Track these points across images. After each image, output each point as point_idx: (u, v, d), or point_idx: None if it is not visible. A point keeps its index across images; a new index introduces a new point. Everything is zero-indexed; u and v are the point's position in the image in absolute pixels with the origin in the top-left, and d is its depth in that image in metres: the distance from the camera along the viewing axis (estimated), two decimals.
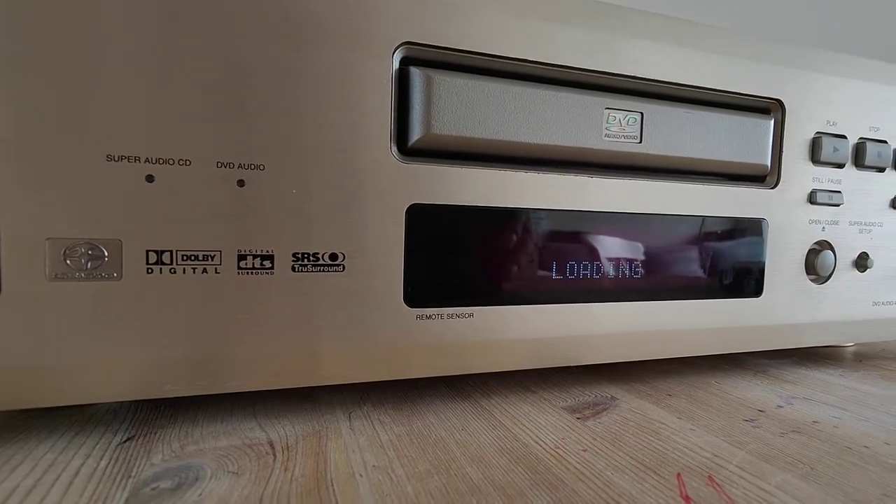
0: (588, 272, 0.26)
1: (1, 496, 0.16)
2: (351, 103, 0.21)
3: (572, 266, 0.25)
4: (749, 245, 0.29)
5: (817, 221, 0.31)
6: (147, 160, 0.19)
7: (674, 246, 0.28)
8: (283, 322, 0.21)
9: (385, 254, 0.22)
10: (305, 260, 0.21)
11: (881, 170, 0.32)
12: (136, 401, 0.23)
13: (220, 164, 0.20)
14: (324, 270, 0.21)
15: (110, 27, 0.18)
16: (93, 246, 0.18)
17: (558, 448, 0.20)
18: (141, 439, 0.20)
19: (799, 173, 0.30)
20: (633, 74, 0.25)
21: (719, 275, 0.29)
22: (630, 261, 0.26)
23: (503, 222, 0.24)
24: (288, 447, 0.20)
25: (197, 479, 0.17)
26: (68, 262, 0.18)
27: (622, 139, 0.25)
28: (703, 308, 0.28)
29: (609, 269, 0.26)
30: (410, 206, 0.22)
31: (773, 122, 0.29)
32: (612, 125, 0.25)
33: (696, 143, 0.27)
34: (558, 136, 0.24)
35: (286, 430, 0.21)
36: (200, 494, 0.16)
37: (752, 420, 0.24)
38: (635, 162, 0.26)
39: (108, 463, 0.18)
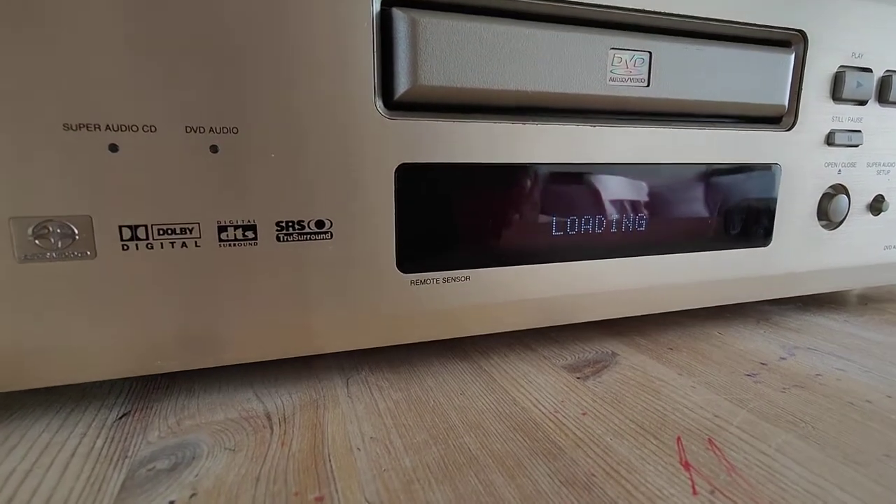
0: (590, 228, 0.24)
1: None
2: (329, 54, 0.19)
3: (574, 223, 0.24)
4: (759, 193, 0.28)
5: (833, 164, 0.29)
6: (108, 127, 0.17)
7: (679, 197, 0.26)
8: (271, 294, 0.20)
9: (375, 218, 0.21)
10: (290, 229, 0.20)
11: None
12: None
13: (188, 129, 0.18)
14: (310, 238, 0.20)
15: None
16: (61, 224, 0.17)
17: (557, 412, 0.20)
18: (137, 414, 0.20)
19: (818, 113, 0.28)
20: (640, 7, 0.23)
21: (726, 226, 0.27)
22: (634, 215, 0.25)
23: (500, 179, 0.22)
24: (285, 419, 0.20)
25: (194, 458, 0.17)
26: (37, 241, 0.17)
27: (628, 83, 0.23)
28: (708, 260, 0.27)
29: (612, 224, 0.25)
30: (399, 165, 0.21)
31: (793, 56, 0.27)
32: (618, 67, 0.23)
33: (708, 85, 0.25)
34: (558, 82, 0.22)
35: (283, 399, 0.21)
36: (197, 475, 0.16)
37: (754, 374, 0.24)
38: (642, 108, 0.24)
39: (105, 442, 0.18)
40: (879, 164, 0.30)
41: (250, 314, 0.20)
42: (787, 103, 0.27)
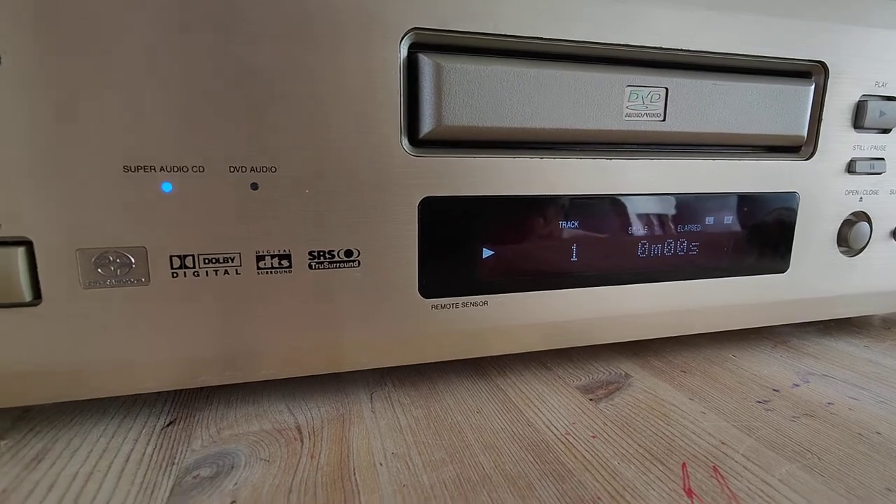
0: (607, 256, 0.25)
1: (65, 482, 0.18)
2: (359, 97, 0.21)
3: (591, 251, 0.25)
4: (777, 221, 0.28)
5: (854, 192, 0.29)
6: (162, 168, 0.19)
7: (696, 225, 0.27)
8: (303, 316, 0.22)
9: (399, 248, 0.22)
10: (322, 258, 0.21)
11: None
12: None
13: (232, 169, 0.20)
14: (340, 267, 0.22)
15: (119, 41, 0.18)
16: (120, 254, 0.19)
17: (569, 434, 0.21)
18: (182, 423, 0.22)
19: (839, 141, 0.28)
20: (656, 45, 0.24)
21: (743, 252, 0.28)
22: (650, 243, 0.26)
23: (517, 211, 0.24)
24: (314, 432, 0.21)
25: (233, 467, 0.19)
26: (99, 270, 0.19)
27: (644, 118, 0.24)
28: (725, 286, 0.28)
29: (628, 251, 0.26)
30: (423, 199, 0.22)
31: (812, 87, 0.27)
32: (634, 104, 0.24)
33: (724, 117, 0.25)
34: (575, 119, 0.23)
35: (313, 413, 0.23)
36: (236, 484, 0.18)
37: (766, 402, 0.24)
38: (658, 140, 0.25)
39: (154, 449, 0.20)
40: None
41: (285, 334, 0.22)
42: (805, 133, 0.27)
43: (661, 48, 0.24)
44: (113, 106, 0.18)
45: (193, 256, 0.20)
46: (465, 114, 0.22)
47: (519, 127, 0.23)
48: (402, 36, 0.21)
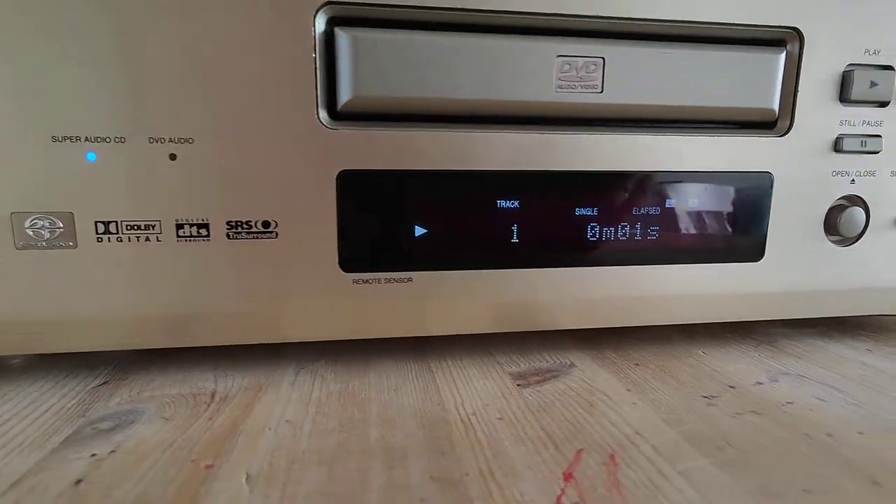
0: (544, 237, 0.24)
1: None
2: (275, 70, 0.21)
3: (526, 230, 0.24)
4: (747, 203, 0.26)
5: (844, 173, 0.26)
6: (87, 139, 0.21)
7: (650, 207, 0.25)
8: (222, 285, 0.22)
9: (318, 220, 0.22)
10: (239, 227, 0.22)
11: None
12: (130, 350, 0.26)
13: (151, 140, 0.21)
14: (257, 237, 0.22)
15: (44, 20, 0.19)
16: (50, 218, 0.21)
17: (475, 415, 0.20)
18: (114, 384, 0.23)
19: (821, 116, 0.25)
20: (592, 14, 0.22)
21: (708, 238, 0.26)
22: (595, 223, 0.25)
23: (441, 186, 0.23)
24: (225, 399, 0.22)
25: (132, 423, 0.20)
26: (31, 233, 0.21)
27: (579, 90, 0.23)
28: (689, 274, 0.26)
29: (569, 232, 0.24)
30: (341, 172, 0.22)
31: (783, 56, 0.24)
32: (567, 74, 0.23)
33: (678, 90, 0.24)
34: (501, 90, 0.22)
35: (235, 381, 0.23)
36: (127, 436, 0.19)
37: (713, 397, 0.22)
38: (598, 114, 0.23)
39: (76, 403, 0.21)
40: None
41: (204, 303, 0.22)
42: (776, 107, 0.25)
43: (599, 16, 0.23)
44: (41, 81, 0.20)
45: (117, 223, 0.21)
46: (382, 85, 0.22)
47: (439, 98, 0.22)
48: (316, 9, 0.21)
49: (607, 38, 0.23)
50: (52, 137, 0.20)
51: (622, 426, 0.19)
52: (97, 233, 0.21)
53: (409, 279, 0.24)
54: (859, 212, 0.26)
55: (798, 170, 0.26)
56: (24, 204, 0.21)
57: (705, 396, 0.22)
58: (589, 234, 0.25)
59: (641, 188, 0.25)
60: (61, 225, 0.21)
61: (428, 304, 0.24)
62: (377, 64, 0.22)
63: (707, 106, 0.24)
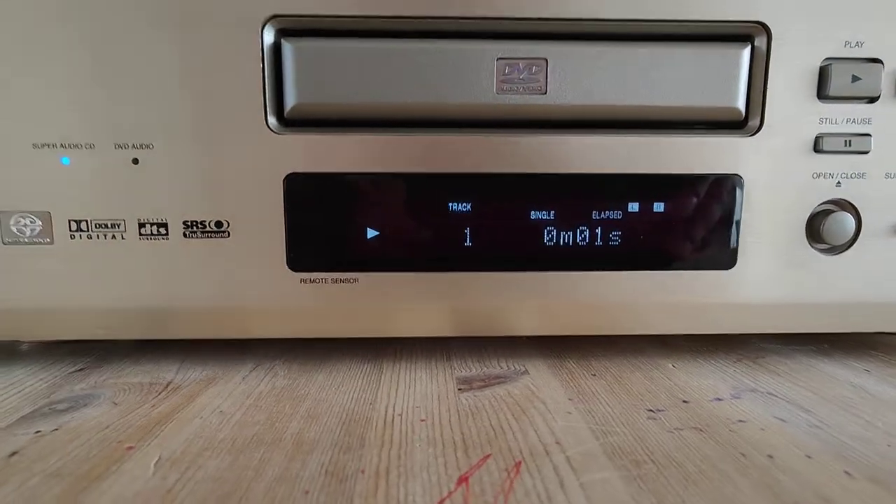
0: (493, 240, 0.24)
1: None
2: (227, 80, 0.22)
3: (475, 232, 0.24)
4: (715, 208, 0.24)
5: (828, 175, 0.24)
6: (62, 145, 0.23)
7: (606, 210, 0.24)
8: (180, 282, 0.24)
9: (267, 221, 0.23)
10: (194, 227, 0.23)
11: None
12: (110, 340, 0.28)
13: (116, 146, 0.23)
14: (211, 236, 0.24)
15: (29, 46, 0.22)
16: (30, 217, 0.23)
17: (401, 415, 0.20)
18: (88, 371, 0.25)
19: (796, 114, 0.24)
20: (533, 16, 0.22)
21: (671, 244, 0.24)
22: (539, 227, 0.24)
23: (385, 188, 0.24)
24: (176, 388, 0.23)
25: (85, 406, 0.21)
26: (15, 230, 0.23)
27: (522, 91, 0.23)
28: (652, 281, 0.25)
29: (515, 235, 0.24)
30: (288, 175, 0.23)
31: (745, 52, 0.23)
32: (509, 76, 0.23)
33: (629, 88, 0.23)
34: (441, 93, 0.23)
35: (194, 374, 0.25)
36: (75, 417, 0.20)
37: (658, 411, 0.21)
38: (543, 115, 0.23)
39: (47, 386, 0.23)
40: None
41: (164, 298, 0.24)
42: (742, 106, 0.23)
43: (541, 18, 0.22)
44: (23, 94, 0.22)
45: (87, 221, 0.23)
46: (325, 91, 0.23)
47: (381, 102, 0.23)
48: (263, 22, 0.22)
49: (549, 39, 0.23)
50: (33, 144, 0.23)
51: (545, 435, 0.19)
52: (70, 230, 0.23)
53: (356, 280, 0.24)
54: (847, 217, 0.24)
55: (772, 172, 0.24)
56: (10, 204, 0.23)
57: (651, 410, 0.21)
58: (545, 238, 0.24)
59: (597, 191, 0.24)
60: (40, 223, 0.23)
61: (374, 305, 0.24)
62: (319, 71, 0.22)
63: (665, 105, 0.23)
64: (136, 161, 0.23)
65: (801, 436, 0.19)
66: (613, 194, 0.24)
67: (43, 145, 0.23)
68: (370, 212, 0.24)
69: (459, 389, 0.23)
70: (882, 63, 0.23)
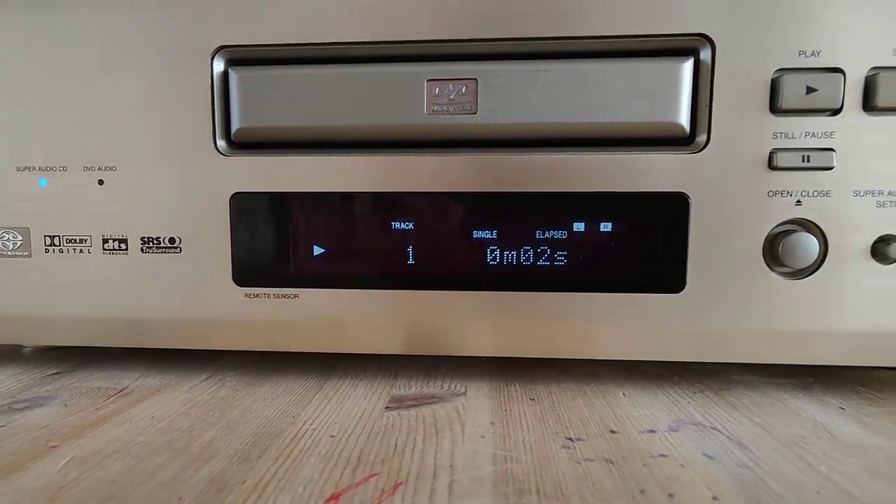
0: (427, 256, 0.24)
1: None
2: (182, 106, 0.24)
3: (414, 251, 0.24)
4: (660, 228, 0.23)
5: (786, 193, 0.22)
6: (40, 168, 0.25)
7: (545, 230, 0.24)
8: (138, 294, 0.25)
9: (216, 238, 0.25)
10: (150, 243, 0.25)
11: None
12: (100, 347, 0.31)
13: (85, 168, 0.25)
14: (165, 252, 0.25)
15: (9, 82, 0.25)
16: (13, 233, 0.26)
17: (314, 430, 0.21)
18: (62, 374, 0.27)
19: (746, 129, 0.22)
20: (462, 38, 0.23)
21: (612, 265, 0.23)
22: (477, 246, 0.24)
23: (324, 207, 0.24)
24: (128, 394, 0.24)
25: (40, 406, 0.23)
26: (0, 244, 0.26)
27: (452, 112, 0.23)
28: (588, 303, 0.24)
29: (447, 255, 0.24)
30: (233, 194, 0.24)
31: (686, 65, 0.22)
32: (439, 97, 0.23)
33: (565, 106, 0.23)
34: (375, 115, 0.23)
35: (150, 381, 0.26)
36: (25, 415, 0.22)
37: (577, 440, 0.20)
38: (472, 135, 0.23)
39: (21, 387, 0.25)
40: (879, 193, 0.22)
41: (125, 309, 0.26)
42: (685, 121, 0.22)
43: (471, 39, 0.23)
44: (7, 123, 0.25)
45: (59, 236, 0.26)
46: (266, 116, 0.24)
47: (320, 125, 0.24)
48: (212, 54, 0.24)
49: (480, 59, 0.23)
50: (17, 167, 0.25)
51: (443, 458, 0.18)
52: (45, 245, 0.26)
53: (296, 296, 0.25)
54: (807, 238, 0.22)
55: (721, 190, 0.23)
56: None
57: (569, 438, 0.20)
58: (488, 257, 0.24)
59: (537, 210, 0.24)
60: (21, 238, 0.26)
61: (313, 320, 0.25)
62: (261, 97, 0.24)
63: (603, 122, 0.23)
64: (101, 182, 0.25)
65: (721, 475, 0.17)
66: (554, 214, 0.24)
67: (24, 168, 0.25)
68: (309, 230, 0.24)
69: (387, 408, 0.23)
70: (843, 73, 0.22)
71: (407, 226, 0.24)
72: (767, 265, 0.23)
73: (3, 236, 0.26)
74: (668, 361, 0.28)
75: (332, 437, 0.20)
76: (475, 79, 0.23)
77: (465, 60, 0.23)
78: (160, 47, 0.24)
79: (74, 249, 0.26)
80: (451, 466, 0.18)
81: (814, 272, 0.23)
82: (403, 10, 0.23)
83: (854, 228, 0.22)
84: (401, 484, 0.17)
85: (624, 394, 0.25)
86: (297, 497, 0.16)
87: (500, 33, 0.22)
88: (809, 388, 0.25)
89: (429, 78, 0.23)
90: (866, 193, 0.22)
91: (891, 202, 0.22)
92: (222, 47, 0.24)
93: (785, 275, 0.23)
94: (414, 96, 0.23)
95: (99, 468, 0.18)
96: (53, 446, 0.19)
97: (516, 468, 0.18)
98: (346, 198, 0.24)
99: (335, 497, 0.16)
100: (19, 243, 0.26)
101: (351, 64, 0.23)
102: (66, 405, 0.23)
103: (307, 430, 0.21)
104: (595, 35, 0.22)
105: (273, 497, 0.16)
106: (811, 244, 0.22)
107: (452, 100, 0.23)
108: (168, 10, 0.24)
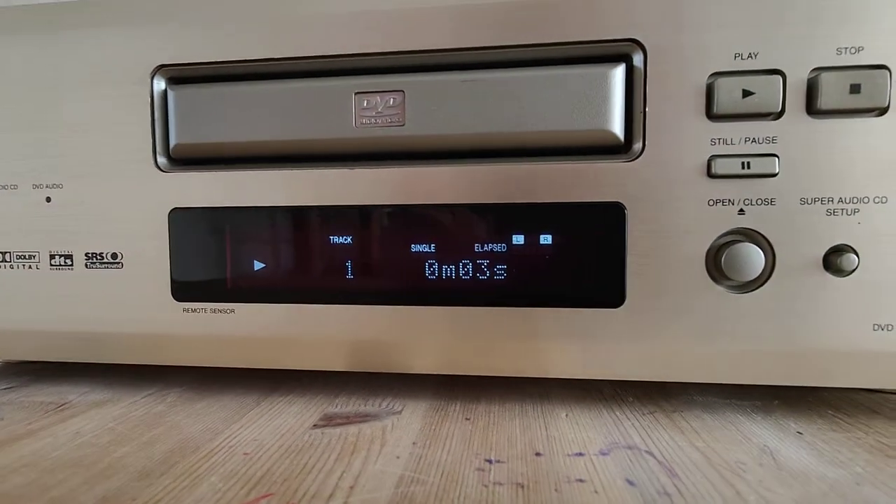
0: (359, 271, 0.24)
1: None
2: (121, 125, 0.25)
3: (349, 265, 0.24)
4: (595, 239, 0.22)
5: (727, 201, 0.21)
6: None
7: (475, 242, 0.23)
8: (83, 308, 0.26)
9: (155, 253, 0.25)
10: (94, 258, 0.26)
11: (878, 111, 0.20)
12: (59, 363, 0.31)
13: (34, 186, 0.26)
14: (108, 267, 0.25)
15: None
16: None
17: (231, 447, 0.20)
18: (15, 389, 0.28)
19: (682, 136, 0.21)
20: (389, 50, 0.22)
21: (543, 277, 0.23)
22: (406, 259, 0.23)
23: (260, 221, 0.24)
24: (67, 409, 0.25)
25: None
26: None
27: (379, 124, 0.23)
28: (526, 318, 0.23)
29: (381, 269, 0.23)
30: (171, 209, 0.25)
31: (616, 72, 0.21)
32: (367, 110, 0.23)
33: (493, 116, 0.22)
34: (304, 129, 0.23)
35: (96, 396, 0.26)
36: None
37: (495, 462, 0.19)
38: (400, 147, 0.23)
39: None
40: (830, 201, 0.21)
41: (70, 323, 0.26)
42: (617, 129, 0.22)
43: (397, 51, 0.23)
44: None
45: (10, 252, 0.26)
46: (200, 131, 0.24)
47: (253, 140, 0.24)
48: (151, 73, 0.24)
49: (406, 71, 0.22)
50: None
51: (346, 479, 0.18)
52: (1, 261, 0.26)
53: (232, 310, 0.25)
54: (750, 248, 0.21)
55: (659, 199, 0.22)
56: None
57: (488, 461, 0.19)
58: (427, 271, 0.24)
59: (470, 223, 0.23)
60: None
61: (249, 336, 0.25)
62: (196, 114, 0.24)
63: (532, 131, 0.22)
64: (48, 199, 0.26)
65: (630, 501, 0.16)
66: (487, 225, 0.23)
67: None
68: (245, 244, 0.24)
69: (314, 426, 0.22)
70: (783, 74, 0.20)
71: (343, 240, 0.24)
72: (712, 278, 0.22)
73: None
74: (626, 382, 0.27)
75: (245, 454, 0.20)
76: (402, 90, 0.22)
77: (391, 73, 0.23)
78: (102, 69, 0.25)
79: (24, 265, 0.26)
80: (351, 488, 0.17)
81: (761, 286, 0.21)
82: (334, 26, 0.23)
83: (803, 239, 0.21)
84: (292, 503, 0.16)
85: (567, 414, 0.24)
86: None
87: (427, 45, 0.22)
88: (771, 411, 0.24)
89: (357, 91, 0.23)
90: (815, 201, 0.21)
91: (842, 210, 0.21)
92: (161, 66, 0.24)
93: (731, 288, 0.22)
94: (343, 109, 0.23)
95: (1, 481, 0.18)
96: None
97: (418, 491, 0.17)
98: (280, 212, 0.24)
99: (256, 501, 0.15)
100: None
101: (282, 79, 0.23)
102: (1, 419, 0.23)
103: (224, 446, 0.20)
104: (523, 43, 0.22)
105: None
106: (755, 255, 0.21)
107: (380, 112, 0.23)
108: (109, 32, 0.24)
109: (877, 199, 0.20)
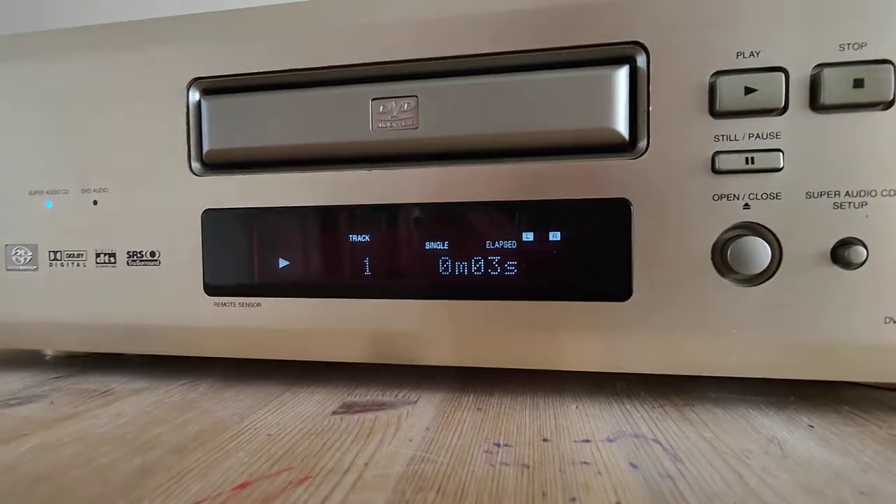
0: (381, 268, 0.25)
1: None
2: (160, 133, 0.27)
3: (370, 261, 0.25)
4: (603, 234, 0.23)
5: (732, 196, 0.22)
6: (47, 192, 0.29)
7: (490, 238, 0.24)
8: (125, 303, 0.28)
9: (189, 251, 0.27)
10: (135, 257, 0.28)
11: (884, 105, 0.20)
12: (117, 354, 0.33)
13: (83, 191, 0.28)
14: (147, 264, 0.28)
15: (26, 121, 0.29)
16: (24, 248, 0.29)
17: (255, 430, 0.21)
18: (63, 378, 0.30)
19: (686, 133, 0.22)
20: (402, 58, 0.24)
21: (553, 271, 0.23)
22: (426, 256, 0.24)
23: (286, 221, 0.26)
24: (110, 394, 0.27)
25: (29, 403, 0.25)
26: (13, 258, 0.29)
27: (395, 128, 0.24)
28: (536, 311, 0.24)
29: (401, 264, 0.25)
30: (204, 210, 0.27)
31: (620, 73, 0.22)
32: (383, 115, 0.24)
33: (501, 117, 0.23)
34: (325, 134, 0.25)
35: (135, 384, 0.28)
36: (15, 409, 0.24)
37: (504, 446, 0.20)
38: (414, 149, 0.24)
39: (22, 387, 0.28)
40: (836, 194, 0.21)
41: (115, 317, 0.28)
42: (623, 128, 0.22)
43: (410, 59, 0.24)
44: (21, 154, 0.29)
45: (61, 252, 0.29)
46: (231, 138, 0.26)
47: (278, 145, 0.25)
48: (187, 85, 0.27)
49: (419, 78, 0.24)
50: (29, 192, 0.29)
51: (361, 458, 0.19)
52: (49, 259, 0.29)
53: (258, 304, 0.26)
54: (756, 242, 0.21)
55: (664, 195, 0.22)
56: (12, 238, 0.29)
57: (496, 444, 0.20)
58: (440, 267, 0.25)
59: (482, 220, 0.24)
60: (30, 254, 0.29)
61: (274, 328, 0.26)
62: (227, 122, 0.26)
63: (540, 131, 0.23)
64: (95, 202, 0.28)
65: (635, 484, 0.17)
66: (498, 222, 0.24)
67: (35, 192, 0.29)
68: (273, 242, 0.26)
69: (334, 412, 0.24)
70: (786, 72, 0.21)
71: (362, 237, 0.25)
72: (718, 272, 0.22)
73: (17, 252, 0.29)
74: (640, 379, 0.27)
75: (269, 435, 0.21)
76: (415, 95, 0.24)
77: (406, 80, 0.24)
78: (143, 83, 0.27)
79: (73, 264, 0.28)
80: (365, 464, 0.18)
81: (769, 279, 0.22)
82: (352, 39, 0.24)
83: (810, 232, 0.21)
84: (309, 478, 0.17)
85: (577, 406, 0.24)
86: (210, 484, 0.17)
87: (438, 52, 0.24)
88: (784, 406, 0.24)
89: (373, 97, 0.24)
90: (821, 195, 0.21)
91: (849, 203, 0.21)
92: (196, 79, 0.26)
93: (737, 282, 0.22)
94: (361, 114, 0.24)
95: (52, 452, 0.19)
96: (24, 434, 0.21)
97: (427, 468, 0.18)
98: (304, 212, 0.26)
99: (244, 486, 0.17)
100: (29, 258, 0.29)
101: (304, 88, 0.25)
102: (52, 403, 0.25)
103: (250, 428, 0.22)
104: (529, 49, 0.23)
105: (186, 483, 0.17)
106: (760, 248, 0.21)
107: (395, 116, 0.24)
108: (149, 50, 0.27)
109: (885, 192, 0.20)
